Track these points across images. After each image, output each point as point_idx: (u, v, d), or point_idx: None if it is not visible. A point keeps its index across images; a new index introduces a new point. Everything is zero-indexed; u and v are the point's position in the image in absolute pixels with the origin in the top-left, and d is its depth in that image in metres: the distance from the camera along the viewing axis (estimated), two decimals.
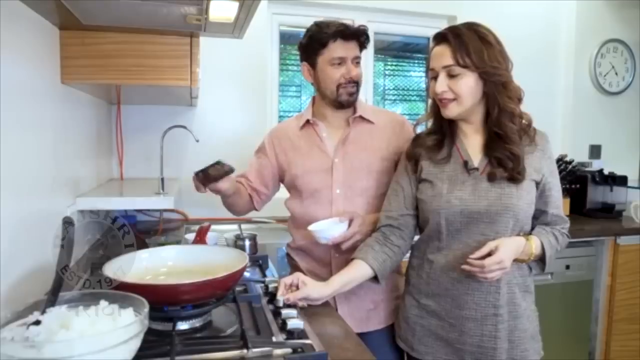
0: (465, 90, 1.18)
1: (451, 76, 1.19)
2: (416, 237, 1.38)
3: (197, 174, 1.36)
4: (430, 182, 1.28)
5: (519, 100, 1.21)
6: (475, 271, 1.15)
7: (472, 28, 1.19)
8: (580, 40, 3.05)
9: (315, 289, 1.23)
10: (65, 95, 1.42)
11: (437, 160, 1.28)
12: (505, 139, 1.20)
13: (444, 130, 1.29)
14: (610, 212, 2.79)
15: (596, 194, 2.82)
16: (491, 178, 1.21)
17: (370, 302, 1.52)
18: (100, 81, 1.43)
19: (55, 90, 1.35)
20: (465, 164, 1.25)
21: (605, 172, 2.84)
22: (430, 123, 1.35)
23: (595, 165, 2.98)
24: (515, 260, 1.21)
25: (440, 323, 1.28)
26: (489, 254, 1.15)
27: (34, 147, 1.18)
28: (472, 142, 1.27)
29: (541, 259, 1.25)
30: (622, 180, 2.82)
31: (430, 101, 1.31)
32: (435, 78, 1.22)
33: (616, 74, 3.15)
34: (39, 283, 1.07)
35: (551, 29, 3.06)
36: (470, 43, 1.16)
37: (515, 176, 1.18)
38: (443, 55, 1.19)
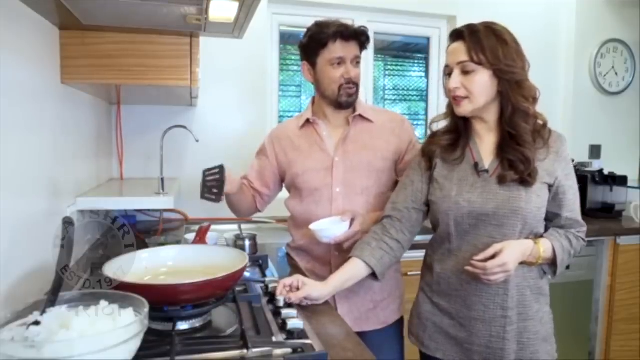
0: (477, 88, 1.18)
1: (465, 73, 1.18)
2: (429, 237, 1.38)
3: (206, 196, 1.40)
4: (441, 183, 1.27)
5: (534, 100, 1.20)
6: (478, 273, 1.15)
7: (489, 26, 1.19)
8: (580, 40, 3.05)
9: (315, 289, 1.23)
10: (65, 95, 1.42)
11: (450, 161, 1.28)
12: (518, 139, 1.19)
13: (459, 130, 1.28)
14: (610, 212, 2.79)
15: (596, 194, 2.81)
16: (501, 180, 1.20)
17: (370, 302, 1.52)
18: (100, 81, 1.43)
19: (55, 90, 1.35)
20: (476, 165, 1.24)
21: (605, 172, 2.83)
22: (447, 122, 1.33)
23: (595, 165, 2.97)
24: (523, 263, 1.20)
25: (451, 322, 1.28)
26: (494, 256, 1.14)
27: (34, 147, 1.18)
28: (485, 143, 1.26)
29: (553, 262, 1.24)
30: (622, 180, 2.81)
31: (447, 100, 1.30)
32: (450, 75, 1.22)
33: (616, 74, 3.15)
34: (39, 283, 1.07)
35: (551, 29, 3.06)
36: (486, 40, 1.16)
37: (526, 179, 1.17)
38: (458, 52, 1.19)
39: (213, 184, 1.39)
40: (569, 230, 1.26)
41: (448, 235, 1.26)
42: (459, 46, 1.19)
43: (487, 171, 1.23)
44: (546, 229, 1.27)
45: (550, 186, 1.22)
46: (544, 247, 1.20)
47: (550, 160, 1.22)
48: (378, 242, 1.32)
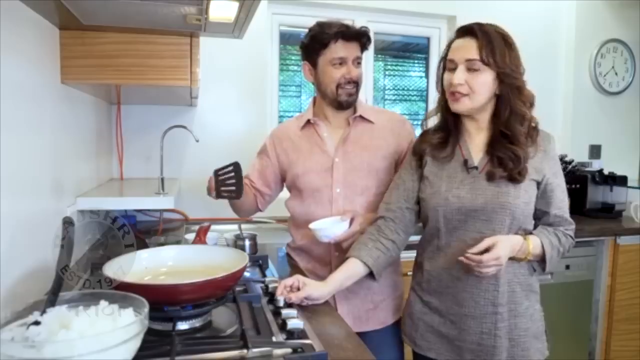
0: (480, 87, 1.19)
1: (470, 70, 1.19)
2: (418, 237, 1.39)
3: (224, 195, 1.43)
4: (430, 180, 1.29)
5: (531, 105, 1.22)
6: (473, 265, 1.16)
7: (497, 29, 1.21)
8: (580, 40, 3.05)
9: (316, 289, 1.24)
10: (65, 95, 1.42)
11: (440, 159, 1.29)
12: (512, 139, 1.21)
13: (449, 128, 1.30)
14: (610, 212, 2.79)
15: (596, 194, 2.82)
16: (490, 177, 1.21)
17: (370, 302, 1.52)
18: (100, 81, 1.43)
19: (55, 90, 1.35)
20: (465, 162, 1.26)
21: (605, 172, 2.83)
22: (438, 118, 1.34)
23: (595, 165, 2.98)
24: (512, 259, 1.22)
25: (442, 320, 1.29)
26: (487, 250, 1.16)
27: (33, 147, 1.18)
28: (475, 141, 1.28)
29: (542, 259, 1.25)
30: (622, 180, 2.82)
31: (438, 96, 1.30)
32: (452, 70, 1.22)
33: (616, 74, 3.15)
34: (39, 283, 1.07)
35: (551, 29, 3.06)
36: (496, 42, 1.18)
37: (514, 176, 1.19)
38: (468, 48, 1.19)
39: (229, 182, 1.41)
40: (558, 228, 1.28)
41: (437, 231, 1.27)
42: (469, 43, 1.19)
43: (476, 168, 1.25)
44: (536, 228, 1.28)
45: (538, 183, 1.24)
46: (533, 244, 1.22)
47: (538, 158, 1.24)
48: (374, 243, 1.33)
